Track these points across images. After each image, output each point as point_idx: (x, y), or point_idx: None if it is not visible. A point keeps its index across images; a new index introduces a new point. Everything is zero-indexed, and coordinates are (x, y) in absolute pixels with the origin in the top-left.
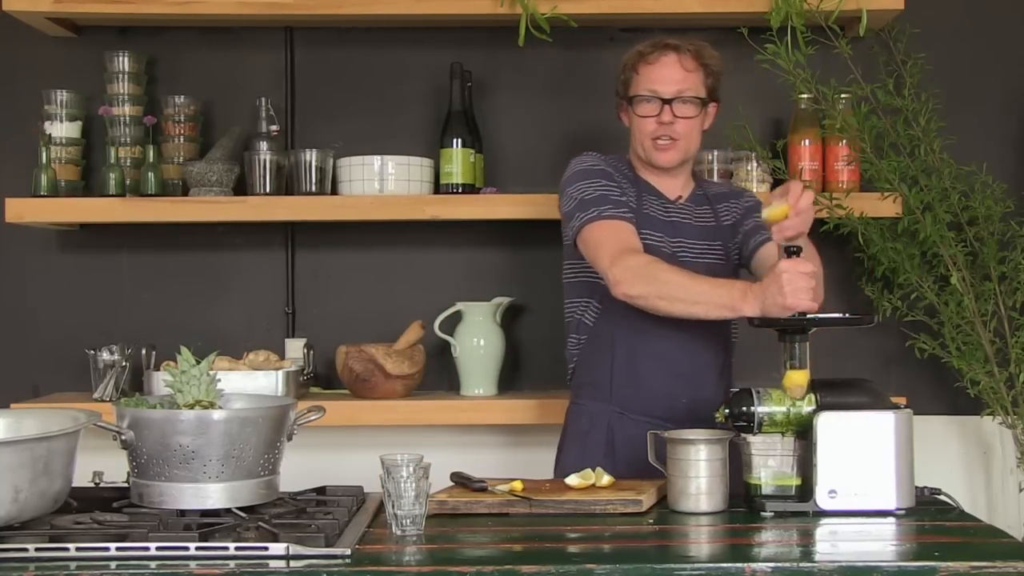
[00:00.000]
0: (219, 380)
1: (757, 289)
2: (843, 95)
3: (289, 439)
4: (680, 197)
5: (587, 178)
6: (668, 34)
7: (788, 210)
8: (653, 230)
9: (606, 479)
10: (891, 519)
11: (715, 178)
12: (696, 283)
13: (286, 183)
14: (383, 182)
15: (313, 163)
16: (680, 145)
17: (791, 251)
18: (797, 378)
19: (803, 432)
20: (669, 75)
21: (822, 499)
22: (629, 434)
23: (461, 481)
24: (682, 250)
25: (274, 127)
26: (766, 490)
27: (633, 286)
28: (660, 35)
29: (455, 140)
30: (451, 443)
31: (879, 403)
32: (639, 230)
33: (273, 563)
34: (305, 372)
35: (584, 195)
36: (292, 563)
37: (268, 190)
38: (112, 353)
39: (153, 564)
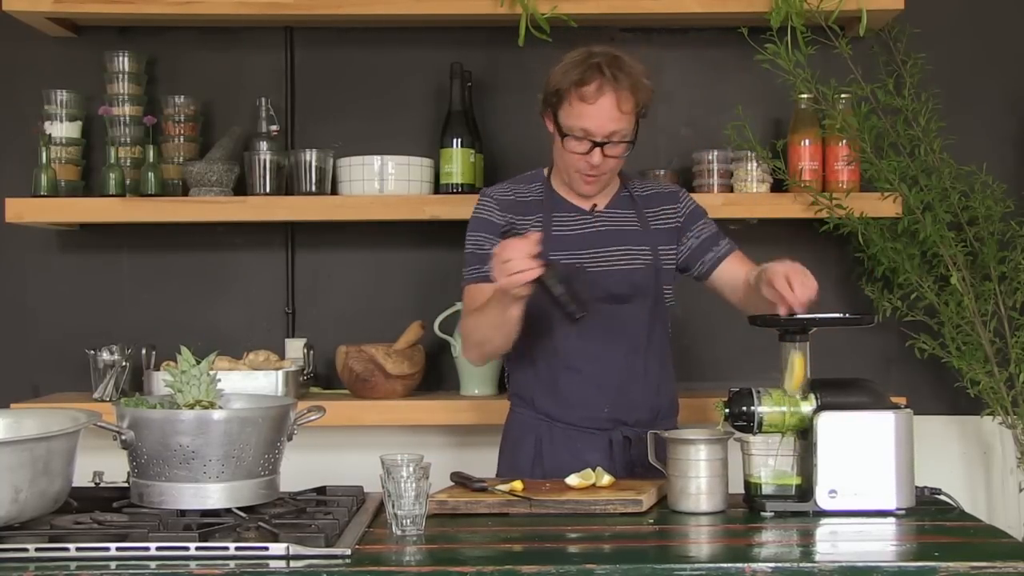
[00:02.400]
0: (219, 380)
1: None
2: (843, 95)
3: (289, 439)
4: (596, 205)
5: (476, 230)
6: (668, 35)
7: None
8: (562, 249)
9: (606, 479)
10: (891, 519)
11: (715, 179)
12: (483, 313)
13: (286, 183)
14: (383, 182)
15: (313, 163)
16: (604, 179)
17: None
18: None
19: (803, 432)
20: (605, 117)
21: (822, 499)
22: (555, 441)
23: (461, 481)
24: (594, 261)
25: (274, 127)
26: (766, 490)
27: (467, 352)
28: (659, 37)
29: (455, 140)
30: (451, 443)
31: (879, 403)
32: (548, 252)
33: (273, 563)
34: (305, 372)
35: (469, 250)
36: (292, 563)
37: (268, 190)
38: (112, 353)
39: (153, 564)
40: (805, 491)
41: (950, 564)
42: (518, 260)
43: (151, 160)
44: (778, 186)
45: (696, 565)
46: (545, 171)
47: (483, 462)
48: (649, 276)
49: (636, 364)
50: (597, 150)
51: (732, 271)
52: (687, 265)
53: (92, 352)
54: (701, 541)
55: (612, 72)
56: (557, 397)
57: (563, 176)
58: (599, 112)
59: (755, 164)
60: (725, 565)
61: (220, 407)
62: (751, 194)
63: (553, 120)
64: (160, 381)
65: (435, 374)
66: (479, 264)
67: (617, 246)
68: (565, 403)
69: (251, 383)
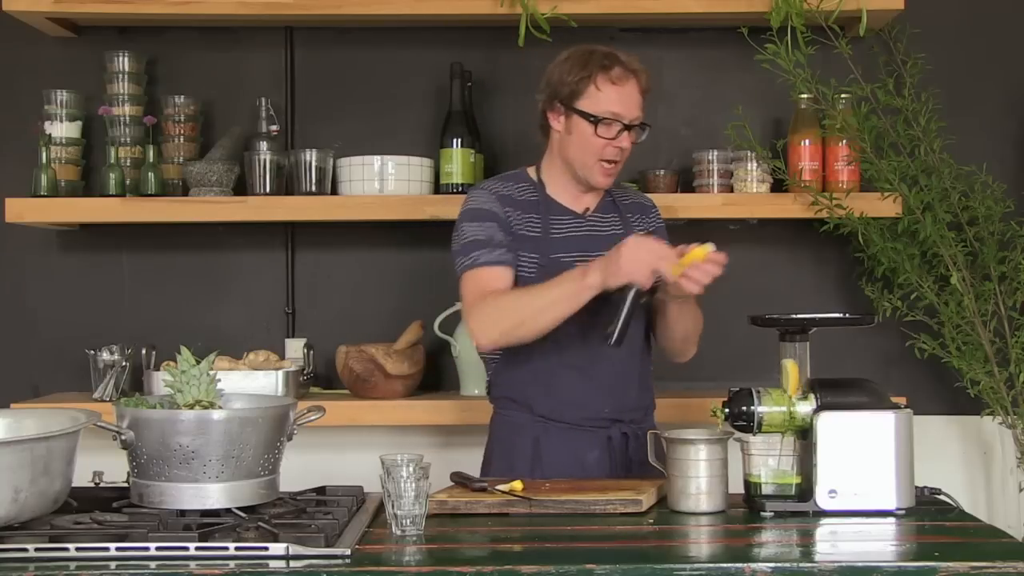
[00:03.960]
0: (219, 380)
1: (599, 262)
2: (843, 95)
3: (289, 439)
4: (588, 209)
5: (475, 220)
6: (668, 35)
7: (707, 252)
8: (562, 252)
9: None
10: (891, 519)
11: (715, 179)
12: (538, 291)
13: (286, 183)
14: (383, 182)
15: (313, 163)
16: (620, 167)
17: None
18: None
19: (803, 432)
20: (633, 101)
21: (822, 499)
22: (555, 442)
23: (461, 481)
24: (587, 264)
25: (274, 127)
26: (766, 490)
27: (487, 333)
28: (659, 37)
29: (455, 140)
30: (451, 443)
31: (879, 403)
32: (545, 255)
33: (273, 563)
34: (305, 372)
35: (466, 240)
36: (292, 563)
37: (268, 190)
38: (112, 353)
39: (153, 564)
40: (805, 491)
41: (950, 564)
42: (649, 259)
43: (151, 160)
44: (778, 186)
45: (696, 565)
46: (530, 172)
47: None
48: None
49: (634, 365)
50: (625, 133)
51: (655, 308)
52: None
53: (92, 352)
54: (701, 541)
55: (627, 59)
56: (557, 397)
57: (579, 169)
58: (628, 94)
59: (755, 164)
60: (725, 565)
61: (220, 407)
62: (751, 194)
63: (565, 113)
64: (160, 381)
65: (435, 374)
66: (483, 248)
67: (607, 249)
68: (565, 403)
69: (251, 383)
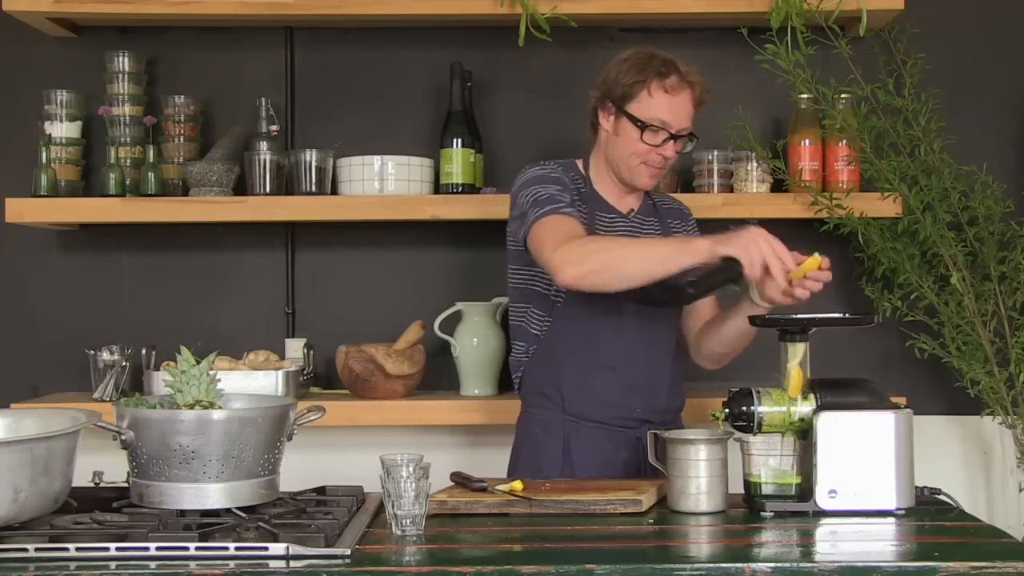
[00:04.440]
0: (219, 380)
1: (712, 236)
2: (843, 95)
3: (289, 439)
4: (632, 210)
5: (542, 183)
6: (668, 35)
7: (819, 262)
8: None
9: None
10: (891, 519)
11: (715, 179)
12: (639, 241)
13: (286, 183)
14: (383, 182)
15: (313, 163)
16: (663, 172)
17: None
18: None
19: (803, 432)
20: (684, 112)
21: (822, 499)
22: (585, 441)
23: (461, 481)
24: None
25: (274, 127)
26: (766, 490)
27: (572, 268)
28: (659, 37)
29: (455, 140)
30: (451, 443)
31: (879, 403)
32: None
33: (273, 563)
34: (305, 372)
35: (537, 196)
36: (292, 563)
37: (268, 190)
38: (112, 353)
39: (153, 564)
40: (805, 491)
41: (950, 564)
42: (777, 256)
43: (151, 160)
44: (778, 186)
45: (696, 565)
46: (579, 165)
47: (484, 462)
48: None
49: (665, 366)
50: (671, 143)
51: (704, 311)
52: None
53: (92, 352)
54: (701, 541)
55: (685, 69)
56: (590, 395)
57: (622, 170)
58: (680, 105)
59: (755, 164)
60: (725, 565)
61: (220, 407)
62: (751, 194)
63: (615, 113)
64: (160, 381)
65: (435, 374)
66: (563, 203)
67: None
68: (598, 402)
69: (251, 383)
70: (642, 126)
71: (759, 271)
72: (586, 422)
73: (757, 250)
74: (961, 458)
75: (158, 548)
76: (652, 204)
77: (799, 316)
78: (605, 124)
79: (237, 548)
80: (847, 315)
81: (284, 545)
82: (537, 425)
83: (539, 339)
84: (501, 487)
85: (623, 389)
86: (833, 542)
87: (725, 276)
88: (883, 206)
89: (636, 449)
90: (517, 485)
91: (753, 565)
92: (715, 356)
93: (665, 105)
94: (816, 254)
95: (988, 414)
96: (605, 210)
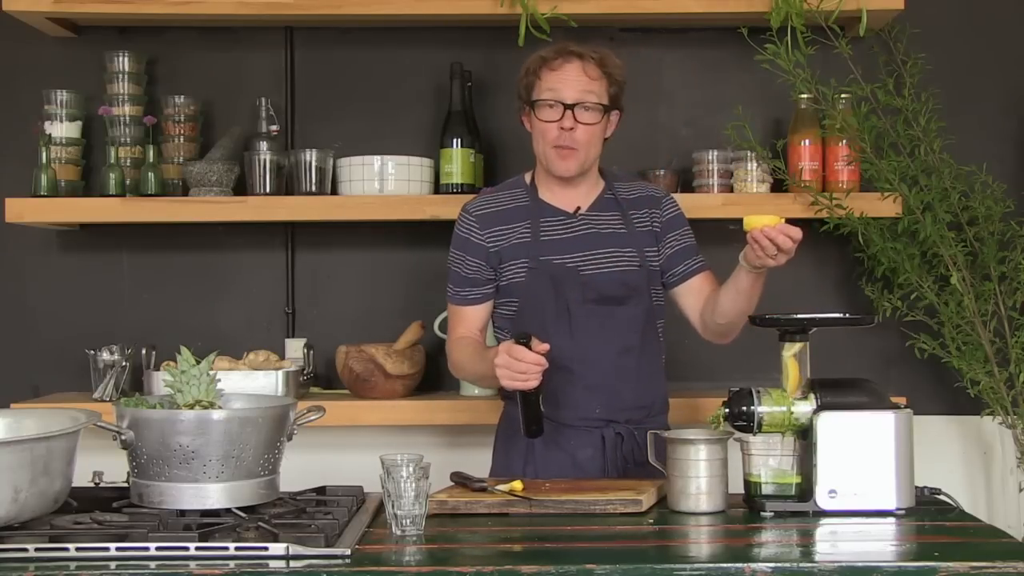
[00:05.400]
0: (219, 380)
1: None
2: (843, 95)
3: (289, 439)
4: (580, 208)
5: (453, 247)
6: (668, 35)
7: (777, 221)
8: (553, 254)
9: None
10: (891, 519)
11: (715, 179)
12: (472, 361)
13: (286, 183)
14: (383, 182)
15: (313, 163)
16: (580, 154)
17: (520, 339)
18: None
19: (803, 432)
20: (572, 81)
21: (822, 499)
22: (547, 439)
23: (461, 481)
24: (584, 264)
25: (274, 127)
26: (766, 490)
27: (450, 368)
28: (659, 37)
29: (455, 140)
30: (451, 443)
31: (879, 403)
32: (535, 258)
33: (273, 563)
34: (305, 372)
35: (449, 264)
36: (292, 563)
37: (268, 190)
38: (112, 353)
39: (153, 564)
40: (805, 491)
41: (950, 564)
42: (529, 370)
43: (151, 160)
44: (778, 186)
45: (696, 565)
46: (527, 178)
47: (483, 462)
48: (641, 277)
49: (628, 364)
50: (568, 113)
51: (698, 288)
52: (663, 268)
53: (92, 352)
54: (701, 541)
55: (576, 48)
56: (549, 397)
57: (542, 161)
58: (566, 75)
59: (755, 164)
60: (725, 565)
61: (220, 407)
62: (751, 194)
63: (527, 113)
64: (160, 381)
65: (435, 374)
66: (457, 286)
67: (603, 248)
68: (557, 403)
69: (251, 383)
70: (534, 104)
71: (514, 387)
72: (549, 421)
73: (504, 376)
74: (961, 458)
75: (158, 548)
76: (613, 198)
77: (799, 316)
78: (527, 126)
79: (237, 548)
80: (847, 315)
81: (284, 545)
82: (506, 422)
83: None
84: (501, 487)
85: (579, 390)
86: (833, 542)
87: (523, 403)
88: (883, 206)
89: (600, 447)
90: (517, 485)
91: (753, 565)
92: (719, 330)
93: (553, 81)
94: (775, 217)
95: (988, 414)
96: (550, 215)
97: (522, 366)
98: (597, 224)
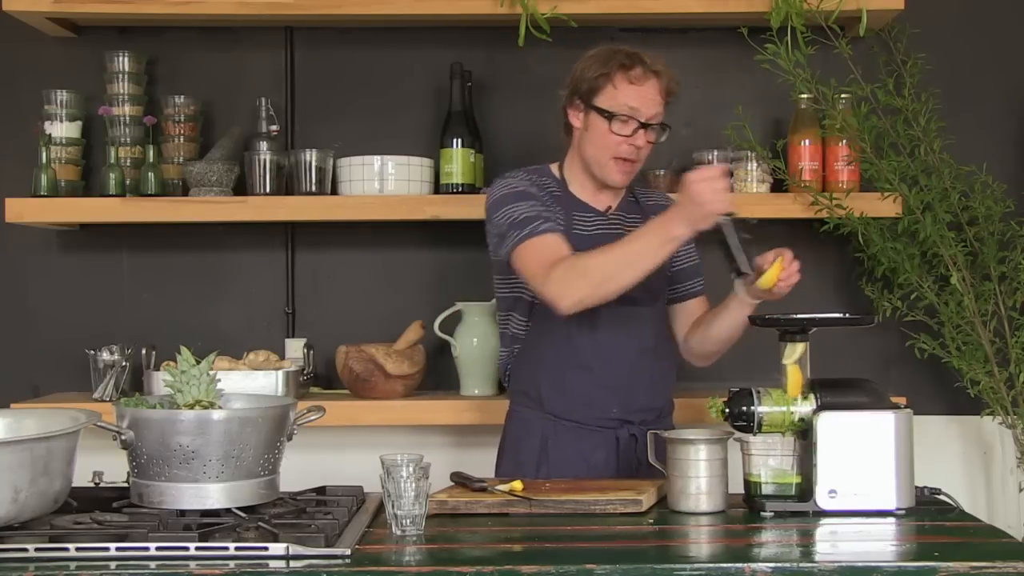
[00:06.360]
0: (219, 380)
1: (675, 209)
2: (843, 95)
3: (289, 439)
4: (610, 208)
5: (514, 200)
6: (668, 35)
7: (780, 267)
8: (584, 248)
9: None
10: (891, 519)
11: None
12: (624, 245)
13: (286, 183)
14: (383, 182)
15: (313, 163)
16: (637, 167)
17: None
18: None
19: (803, 432)
20: (652, 100)
21: (822, 499)
22: (562, 440)
23: (461, 481)
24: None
25: (274, 127)
26: (766, 489)
27: (572, 293)
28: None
29: (455, 140)
30: (451, 443)
31: (879, 403)
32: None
33: (273, 563)
34: (305, 372)
35: (514, 218)
36: (292, 563)
37: (268, 190)
38: (112, 353)
39: (153, 564)
40: (805, 491)
41: (950, 564)
42: (722, 186)
43: (151, 160)
44: (778, 186)
45: (696, 565)
46: (554, 169)
47: (483, 462)
48: (661, 280)
49: (644, 365)
50: (641, 131)
51: (692, 311)
52: (669, 280)
53: (92, 352)
54: (701, 541)
55: (650, 60)
56: (566, 395)
57: (594, 167)
58: (646, 93)
59: (755, 164)
60: (725, 565)
61: (220, 407)
62: (751, 194)
63: (584, 109)
64: (160, 381)
65: (435, 374)
66: (540, 220)
67: None
68: (574, 401)
69: (251, 383)
70: (610, 116)
71: (724, 206)
72: (564, 421)
73: (717, 193)
74: (961, 458)
75: (158, 548)
76: (635, 200)
77: (799, 316)
78: (576, 122)
79: (237, 548)
80: (847, 315)
81: (284, 545)
82: (517, 423)
83: (521, 340)
84: (501, 487)
85: (598, 389)
86: (833, 542)
87: (738, 235)
88: (883, 206)
89: (614, 449)
90: (517, 485)
91: (753, 565)
92: (705, 354)
93: (631, 94)
94: (778, 260)
95: (988, 414)
96: (581, 210)
97: (718, 180)
98: (625, 225)
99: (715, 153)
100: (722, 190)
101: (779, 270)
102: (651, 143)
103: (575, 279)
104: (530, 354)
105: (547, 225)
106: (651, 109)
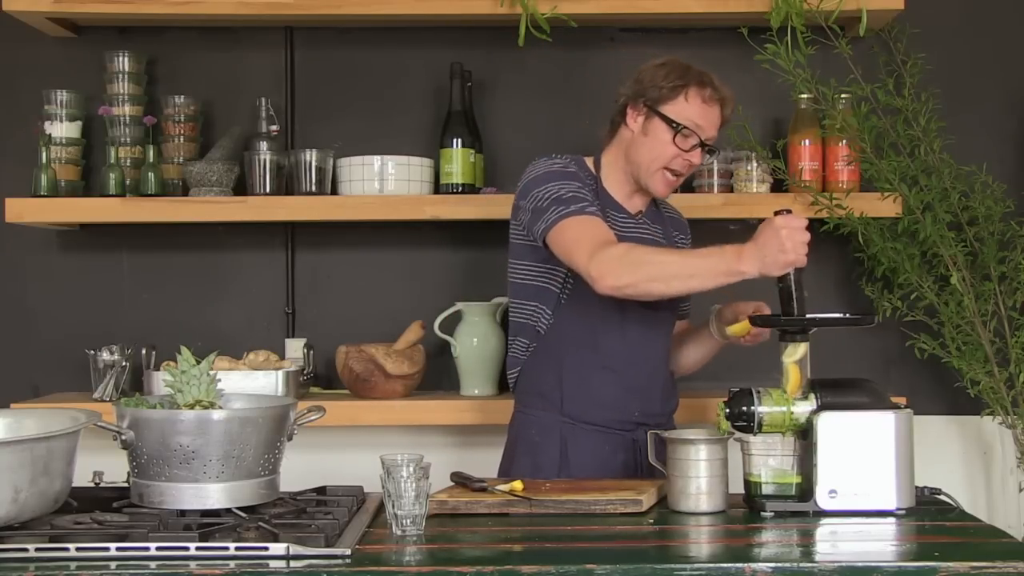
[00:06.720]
0: (219, 380)
1: (752, 247)
2: (843, 95)
3: (289, 439)
4: (640, 212)
5: (559, 179)
6: (668, 35)
7: (747, 327)
8: None
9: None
10: (891, 519)
11: (715, 179)
12: (685, 256)
13: (286, 183)
14: (383, 182)
15: (313, 163)
16: (680, 182)
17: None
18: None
19: (803, 432)
20: (715, 123)
21: (822, 499)
22: (582, 443)
23: (461, 481)
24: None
25: (274, 127)
26: (766, 490)
27: (619, 276)
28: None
29: (455, 140)
30: (451, 443)
31: (879, 403)
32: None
33: (273, 563)
34: (305, 372)
35: (558, 194)
36: (292, 563)
37: (268, 190)
38: (112, 353)
39: (153, 564)
40: (805, 491)
41: (950, 564)
42: (807, 239)
43: (151, 160)
44: (778, 186)
45: (696, 565)
46: (589, 163)
47: (483, 462)
48: None
49: (662, 369)
50: (698, 150)
51: (677, 330)
52: None
53: (92, 352)
54: (701, 541)
55: (719, 85)
56: (589, 396)
57: (641, 172)
58: (714, 114)
59: (755, 164)
60: (725, 565)
61: (220, 407)
62: (751, 194)
63: (647, 114)
64: (160, 381)
65: (435, 374)
66: (585, 203)
67: None
68: (597, 403)
69: (251, 383)
70: (676, 128)
71: (803, 260)
72: (583, 424)
73: (799, 245)
74: (961, 458)
75: (158, 548)
76: (657, 211)
77: (799, 316)
78: (633, 124)
79: (237, 548)
80: (847, 315)
81: (284, 545)
82: (534, 426)
83: (541, 336)
84: (501, 487)
85: (622, 391)
86: (833, 542)
87: (799, 286)
88: (883, 206)
89: (633, 452)
90: (517, 485)
91: (753, 565)
92: (679, 368)
93: (701, 112)
94: (745, 319)
95: (988, 414)
96: (615, 208)
97: (808, 235)
98: (651, 231)
99: (715, 153)
100: (805, 243)
101: (744, 330)
102: (699, 163)
103: (628, 265)
104: (550, 352)
105: (592, 208)
106: (712, 131)
